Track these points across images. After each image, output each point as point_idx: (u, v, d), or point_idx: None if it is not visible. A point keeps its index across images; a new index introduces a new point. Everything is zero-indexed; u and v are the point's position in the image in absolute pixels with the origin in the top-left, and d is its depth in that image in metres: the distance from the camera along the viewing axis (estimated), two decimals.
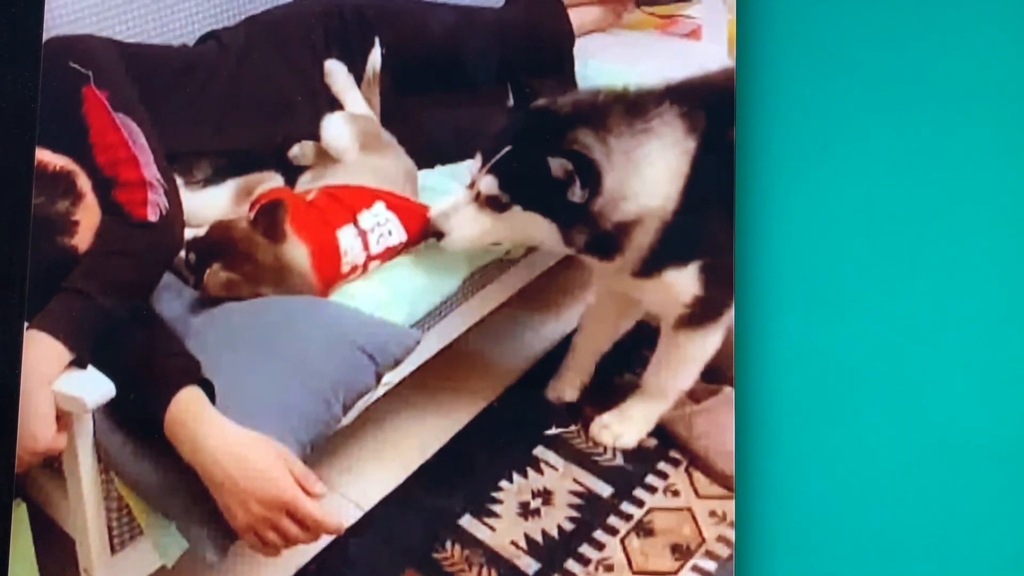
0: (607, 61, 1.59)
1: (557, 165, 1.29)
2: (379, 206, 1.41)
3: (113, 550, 1.23)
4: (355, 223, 1.39)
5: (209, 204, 1.42)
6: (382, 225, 1.40)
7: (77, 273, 1.24)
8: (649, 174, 1.32)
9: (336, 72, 1.50)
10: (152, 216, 1.28)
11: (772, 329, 1.28)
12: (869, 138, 1.31)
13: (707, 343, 1.36)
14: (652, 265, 1.34)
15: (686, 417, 1.38)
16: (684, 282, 1.34)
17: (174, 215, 1.30)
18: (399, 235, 1.41)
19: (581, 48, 1.58)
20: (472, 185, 1.34)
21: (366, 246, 1.39)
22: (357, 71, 1.51)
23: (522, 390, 1.41)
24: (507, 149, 1.32)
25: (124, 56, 1.36)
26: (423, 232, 1.40)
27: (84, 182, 1.27)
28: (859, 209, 1.30)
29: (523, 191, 1.32)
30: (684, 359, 1.38)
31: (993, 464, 1.24)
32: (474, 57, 1.49)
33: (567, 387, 1.42)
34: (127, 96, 1.31)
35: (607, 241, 1.32)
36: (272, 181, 1.46)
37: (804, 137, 1.32)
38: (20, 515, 1.22)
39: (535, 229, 1.33)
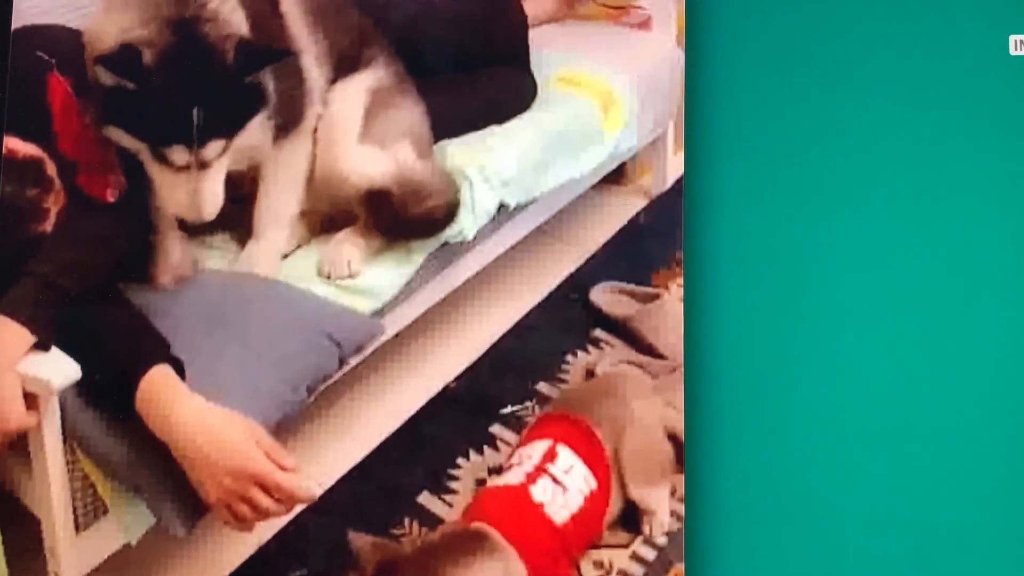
0: (559, 50, 1.62)
1: None
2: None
3: (78, 529, 1.23)
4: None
5: None
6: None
7: (39, 257, 1.25)
8: None
9: None
10: (111, 197, 1.29)
11: (721, 309, 1.30)
12: (821, 125, 1.33)
13: None
14: None
15: None
16: None
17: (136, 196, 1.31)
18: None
19: (535, 38, 1.60)
20: None
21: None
22: None
23: (479, 370, 1.43)
24: None
25: None
26: None
27: (52, 168, 1.27)
28: (810, 198, 1.32)
29: None
30: None
31: (943, 431, 1.26)
32: (432, 46, 1.50)
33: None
34: (91, 83, 1.32)
35: None
36: None
37: (754, 128, 1.34)
38: None
39: None
